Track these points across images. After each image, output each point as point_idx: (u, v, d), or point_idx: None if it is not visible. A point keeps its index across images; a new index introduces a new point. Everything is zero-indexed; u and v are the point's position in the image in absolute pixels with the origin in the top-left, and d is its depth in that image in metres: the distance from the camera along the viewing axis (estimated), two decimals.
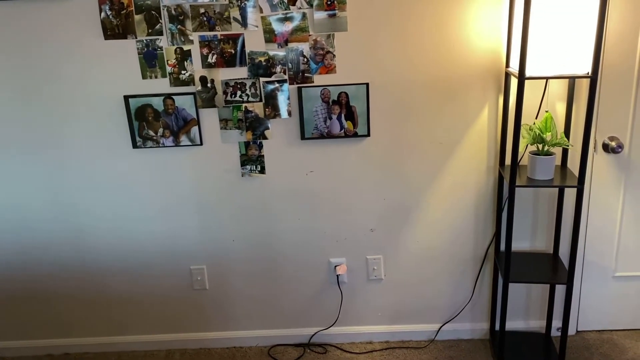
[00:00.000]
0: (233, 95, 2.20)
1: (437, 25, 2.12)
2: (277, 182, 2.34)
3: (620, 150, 2.23)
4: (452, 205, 2.37)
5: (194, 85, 2.19)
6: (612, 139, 2.25)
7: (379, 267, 2.48)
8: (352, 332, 2.58)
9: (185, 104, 2.20)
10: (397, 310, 2.56)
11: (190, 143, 2.26)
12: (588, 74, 1.88)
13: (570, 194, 2.30)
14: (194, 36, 2.12)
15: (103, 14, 2.10)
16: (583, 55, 1.87)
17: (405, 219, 2.40)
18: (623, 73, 2.17)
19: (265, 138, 2.27)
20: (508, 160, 2.27)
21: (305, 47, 2.14)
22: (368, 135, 2.26)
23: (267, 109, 2.23)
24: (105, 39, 2.13)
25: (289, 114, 2.23)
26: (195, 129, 2.24)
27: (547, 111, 2.11)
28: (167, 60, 2.15)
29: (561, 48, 1.87)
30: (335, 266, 2.47)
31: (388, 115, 2.24)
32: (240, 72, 2.17)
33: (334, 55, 2.16)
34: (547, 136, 2.07)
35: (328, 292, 2.53)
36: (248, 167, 2.31)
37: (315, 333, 2.59)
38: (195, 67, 2.16)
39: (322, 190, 2.36)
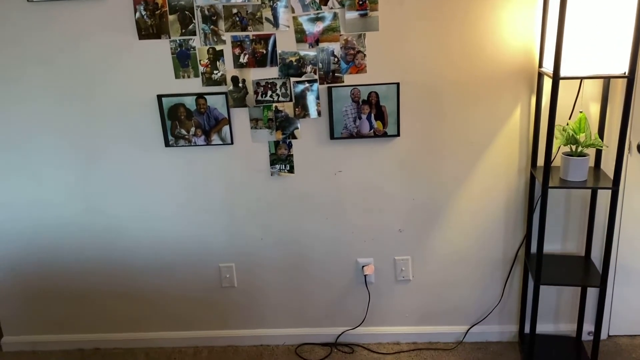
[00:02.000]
0: (264, 95, 2.22)
1: (468, 24, 2.11)
2: (306, 182, 2.35)
3: None
4: (482, 207, 2.35)
5: (225, 85, 2.21)
6: None
7: (407, 268, 2.47)
8: (379, 332, 2.58)
9: (217, 103, 2.22)
10: (424, 311, 2.54)
11: (221, 142, 2.28)
12: (625, 73, 1.85)
13: (603, 196, 2.26)
14: (227, 36, 2.15)
15: (138, 14, 2.13)
16: (619, 54, 1.84)
17: (433, 220, 2.39)
18: None
19: (294, 137, 2.28)
20: (540, 162, 2.25)
21: (336, 47, 2.15)
22: (398, 135, 2.26)
23: (297, 109, 2.24)
24: (140, 39, 2.16)
25: (319, 113, 2.24)
26: (226, 128, 2.26)
27: (581, 112, 2.08)
28: (200, 60, 2.18)
29: (597, 47, 1.84)
30: (363, 266, 2.47)
31: (418, 115, 2.24)
32: (271, 72, 2.19)
33: (365, 55, 2.16)
34: (581, 137, 2.04)
35: (355, 292, 2.53)
36: (277, 166, 2.33)
37: (342, 333, 2.59)
38: (227, 67, 2.19)
39: (351, 190, 2.36)
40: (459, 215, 2.37)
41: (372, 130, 2.26)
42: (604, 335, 2.50)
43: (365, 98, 2.21)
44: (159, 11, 2.13)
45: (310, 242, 2.46)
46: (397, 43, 2.14)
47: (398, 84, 2.18)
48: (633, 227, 2.35)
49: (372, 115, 2.24)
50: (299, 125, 2.27)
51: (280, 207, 2.40)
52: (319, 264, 2.50)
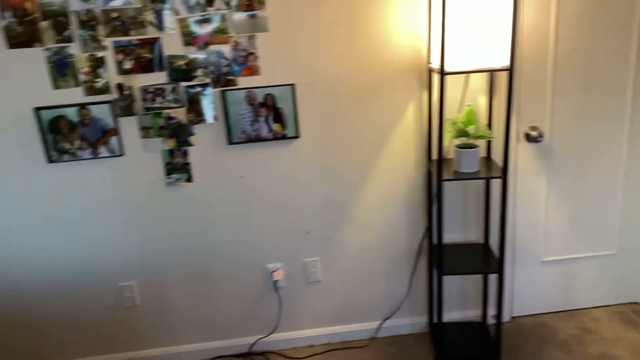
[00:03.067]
0: (153, 102, 2.11)
1: (359, 23, 2.11)
2: (207, 190, 2.27)
3: (541, 139, 2.31)
4: (385, 202, 2.38)
5: (110, 93, 2.08)
6: (533, 128, 2.32)
7: (317, 269, 2.45)
8: (294, 337, 2.54)
9: (102, 113, 2.09)
10: (337, 311, 2.54)
11: (110, 154, 2.15)
12: (505, 67, 1.92)
13: (497, 185, 2.35)
14: (108, 42, 2.02)
15: (5, 22, 1.95)
16: (500, 49, 1.91)
17: (340, 219, 2.38)
18: (539, 65, 2.24)
19: (190, 145, 2.19)
20: (435, 155, 2.30)
21: (226, 49, 2.08)
22: (298, 136, 2.23)
23: (190, 115, 2.15)
24: (10, 48, 1.99)
25: (215, 118, 2.17)
26: (114, 139, 2.13)
27: (468, 105, 2.15)
28: (80, 68, 2.03)
29: (478, 43, 1.90)
30: (272, 272, 2.42)
31: (317, 115, 2.22)
32: (159, 78, 2.09)
33: (257, 57, 2.11)
34: (470, 129, 2.10)
35: (267, 299, 2.48)
36: (174, 176, 2.23)
37: (256, 341, 2.53)
38: (110, 75, 2.06)
39: (254, 195, 2.31)
40: (363, 212, 2.39)
41: (271, 133, 2.21)
42: (507, 317, 2.62)
43: (262, 100, 2.16)
44: (29, 18, 1.96)
45: (216, 251, 2.38)
46: (289, 44, 2.11)
47: (293, 85, 2.15)
48: (527, 212, 2.46)
49: (270, 117, 2.19)
50: (194, 132, 2.18)
51: (181, 217, 2.30)
52: (228, 273, 2.42)
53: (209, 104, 2.14)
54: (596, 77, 2.28)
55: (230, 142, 2.20)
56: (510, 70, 1.92)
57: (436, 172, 2.10)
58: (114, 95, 2.08)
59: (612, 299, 2.66)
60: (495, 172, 2.11)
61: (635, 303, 2.66)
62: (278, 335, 2.53)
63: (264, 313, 2.50)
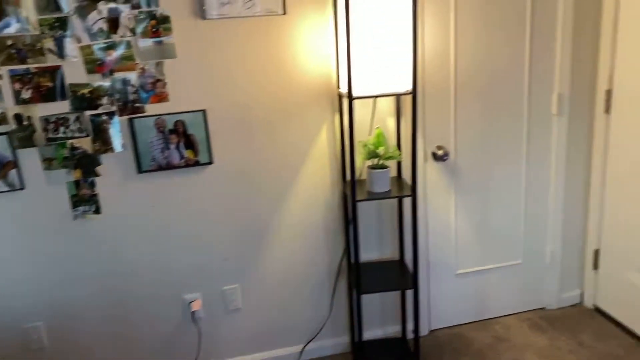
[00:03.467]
0: (55, 132, 2.02)
1: (270, 49, 2.14)
2: (117, 221, 2.19)
3: (447, 158, 2.42)
4: (303, 225, 2.39)
5: (7, 124, 1.97)
6: (439, 148, 2.43)
7: (237, 296, 2.41)
8: None
9: None
10: (260, 337, 2.51)
11: (8, 188, 2.03)
12: (408, 91, 2.01)
13: (408, 203, 2.43)
14: (3, 70, 1.92)
15: None
16: (403, 74, 2.00)
17: (258, 243, 2.37)
18: (442, 88, 2.36)
19: (97, 175, 2.11)
20: (349, 176, 2.35)
21: (133, 76, 2.04)
22: (211, 162, 2.21)
23: (96, 144, 2.07)
24: None
25: (123, 147, 2.10)
26: (13, 172, 2.01)
27: (377, 127, 2.22)
28: None
29: (383, 69, 1.98)
30: (190, 302, 2.36)
31: (231, 141, 2.21)
32: (62, 107, 2.00)
33: (166, 83, 2.08)
34: (380, 151, 2.17)
35: (186, 330, 2.41)
36: (81, 208, 2.13)
37: None
38: (7, 104, 1.95)
39: (168, 224, 2.25)
40: (282, 236, 2.39)
41: (183, 160, 2.18)
42: (425, 331, 2.69)
43: (172, 127, 2.13)
44: None
45: (129, 286, 2.28)
46: (199, 69, 2.10)
47: (204, 110, 2.14)
48: (439, 227, 2.56)
49: (182, 144, 2.16)
50: (101, 161, 2.10)
51: (90, 251, 2.19)
52: (143, 307, 2.33)
53: (116, 133, 2.08)
54: (494, 97, 2.43)
55: (140, 170, 2.14)
56: (414, 94, 2.01)
57: (350, 193, 2.14)
58: (11, 126, 1.97)
59: (521, 307, 2.80)
60: (405, 191, 2.19)
61: (542, 309, 2.82)
62: None
63: (183, 345, 2.43)
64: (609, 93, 2.45)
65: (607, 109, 2.48)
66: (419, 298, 2.28)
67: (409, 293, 2.58)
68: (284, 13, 2.12)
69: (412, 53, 1.95)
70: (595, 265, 2.72)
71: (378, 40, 1.95)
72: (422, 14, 2.24)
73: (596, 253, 2.70)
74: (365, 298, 2.56)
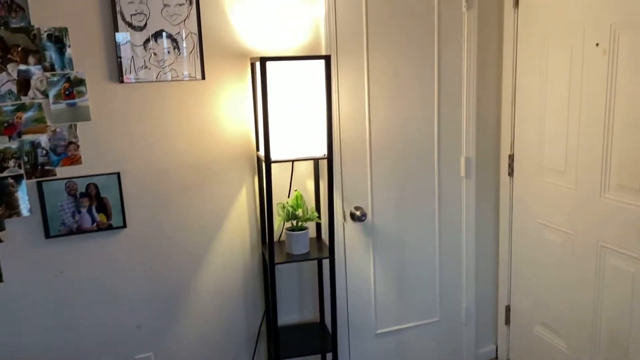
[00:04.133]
0: None
1: (188, 113, 2.16)
2: (20, 289, 2.05)
3: (364, 218, 2.49)
4: (221, 289, 2.35)
5: None
6: (357, 208, 2.50)
7: None
8: None
9: None
10: None
11: None
12: (324, 155, 2.08)
13: (328, 264, 2.46)
14: None
15: None
16: (319, 139, 2.07)
17: (174, 309, 2.30)
18: (359, 151, 2.46)
19: (0, 241, 1.99)
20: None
21: (43, 139, 1.98)
22: (125, 226, 2.15)
23: (0, 208, 1.97)
24: None
25: (30, 211, 2.01)
26: None
27: (296, 190, 2.26)
28: None
29: (299, 135, 2.05)
30: None
31: (146, 203, 2.17)
32: None
33: (78, 146, 2.03)
34: (299, 212, 2.21)
35: None
36: None
37: None
38: None
39: (77, 291, 2.14)
40: (199, 300, 2.33)
41: (95, 224, 2.10)
42: None
43: (84, 190, 2.06)
44: None
45: (30, 357, 2.13)
46: (115, 132, 2.07)
47: (119, 173, 2.09)
48: (359, 287, 2.59)
49: (94, 207, 2.09)
50: (4, 227, 1.99)
51: None
52: None
53: (23, 196, 1.99)
54: (408, 160, 2.55)
55: (48, 235, 2.05)
56: (329, 159, 2.08)
57: (268, 255, 2.14)
58: None
59: None
60: (324, 253, 2.22)
61: None
62: None
63: None
64: (511, 157, 2.65)
65: (511, 173, 2.66)
66: None
67: (329, 356, 2.56)
68: (203, 78, 2.16)
69: (326, 120, 2.04)
70: (507, 321, 2.84)
71: (294, 107, 2.02)
72: (337, 82, 2.35)
73: (507, 309, 2.83)
74: None
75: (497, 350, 2.93)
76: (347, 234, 2.52)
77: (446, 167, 2.64)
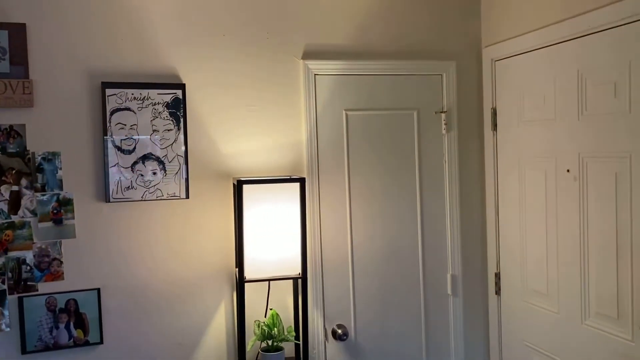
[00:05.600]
0: None
1: (171, 230, 2.24)
2: None
3: (346, 337, 2.45)
4: None
5: None
6: (339, 326, 2.47)
7: None
8: None
9: None
10: None
11: None
12: (299, 274, 2.11)
13: None
14: None
15: None
16: (294, 260, 2.11)
17: None
18: (341, 267, 2.47)
19: None
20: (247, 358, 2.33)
21: (28, 255, 2.07)
22: (101, 342, 2.16)
23: None
24: None
25: (9, 326, 2.05)
26: None
27: (271, 309, 2.26)
28: None
29: (275, 254, 2.09)
30: None
31: (123, 320, 2.19)
32: None
33: (62, 262, 2.11)
34: (274, 332, 2.19)
35: None
36: None
37: None
38: None
39: None
40: None
41: (71, 340, 2.12)
42: None
43: (63, 306, 2.11)
44: None
45: None
46: (98, 248, 2.15)
47: (99, 289, 2.15)
48: None
49: (72, 323, 2.12)
50: None
51: None
52: None
53: (4, 312, 2.04)
54: (392, 278, 2.54)
55: (25, 351, 2.07)
56: (303, 278, 2.10)
57: None
58: None
59: None
60: None
61: None
62: None
63: None
64: (497, 276, 2.62)
65: (497, 291, 2.62)
66: None
67: None
68: (187, 197, 2.25)
69: (300, 240, 2.08)
70: None
71: (271, 227, 2.09)
72: (319, 200, 2.42)
73: None
74: None
75: None
76: (329, 354, 2.47)
77: (432, 284, 2.61)
